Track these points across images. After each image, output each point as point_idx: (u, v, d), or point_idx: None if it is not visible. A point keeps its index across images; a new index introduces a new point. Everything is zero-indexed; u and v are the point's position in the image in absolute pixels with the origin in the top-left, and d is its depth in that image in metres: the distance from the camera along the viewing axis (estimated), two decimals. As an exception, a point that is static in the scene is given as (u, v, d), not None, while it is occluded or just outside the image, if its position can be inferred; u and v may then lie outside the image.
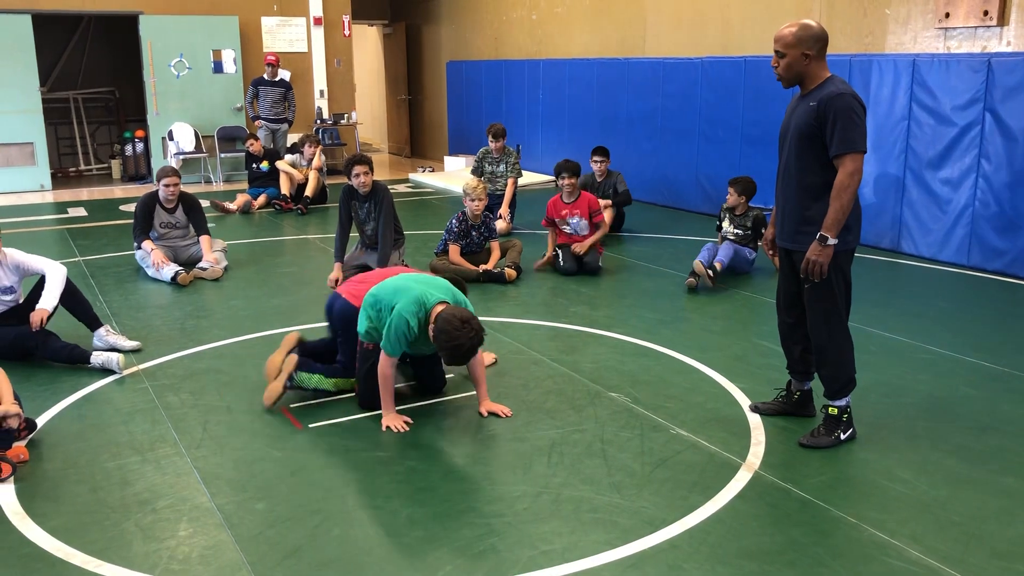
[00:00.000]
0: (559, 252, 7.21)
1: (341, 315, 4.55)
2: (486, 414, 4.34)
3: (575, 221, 7.23)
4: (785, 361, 4.28)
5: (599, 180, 8.63)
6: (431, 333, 4.04)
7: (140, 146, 13.31)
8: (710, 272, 6.55)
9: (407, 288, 4.20)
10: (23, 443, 3.96)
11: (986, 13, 7.06)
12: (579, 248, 7.06)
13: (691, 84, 9.88)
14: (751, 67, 9.10)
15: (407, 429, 4.18)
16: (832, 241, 3.70)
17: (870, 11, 8.11)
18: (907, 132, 7.63)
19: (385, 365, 4.18)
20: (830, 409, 4.01)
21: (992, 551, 3.14)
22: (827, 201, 3.75)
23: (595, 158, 8.55)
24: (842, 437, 3.99)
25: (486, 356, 4.90)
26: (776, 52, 3.80)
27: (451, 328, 3.92)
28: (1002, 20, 7.03)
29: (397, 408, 4.29)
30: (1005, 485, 3.62)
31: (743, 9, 9.50)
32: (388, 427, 4.18)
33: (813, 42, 3.73)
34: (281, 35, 13.69)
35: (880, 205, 7.95)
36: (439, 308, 4.08)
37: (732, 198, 7.11)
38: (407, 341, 4.10)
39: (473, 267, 6.86)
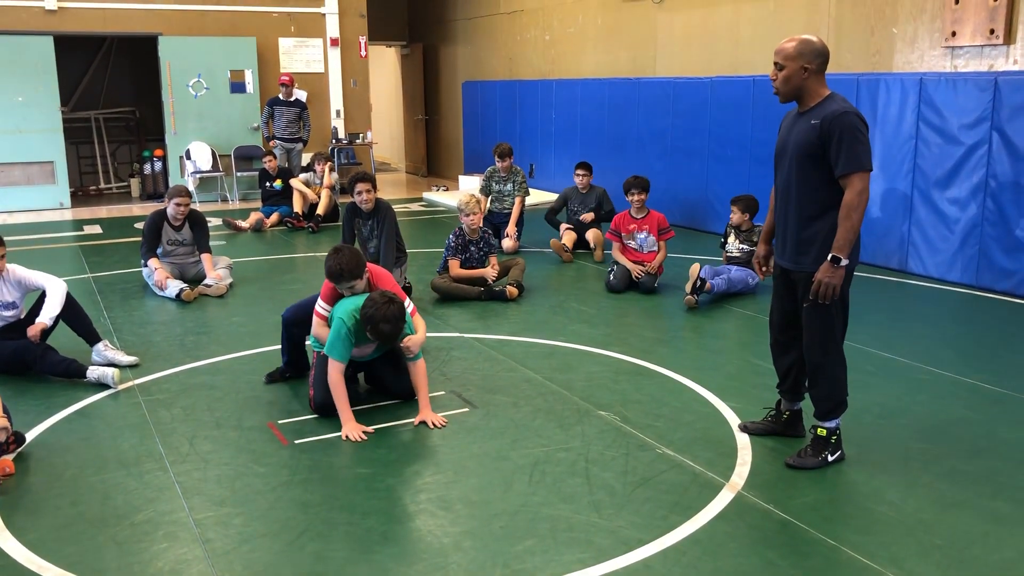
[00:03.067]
0: (614, 268, 7.28)
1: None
2: (417, 423, 4.39)
3: (642, 237, 7.29)
4: (777, 380, 4.24)
5: (583, 192, 9.00)
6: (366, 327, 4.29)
7: (159, 165, 13.49)
8: (697, 284, 6.51)
9: (350, 300, 4.50)
10: (10, 457, 3.99)
11: (992, 32, 7.00)
12: (639, 273, 7.13)
13: (701, 103, 9.87)
14: (760, 86, 9.08)
15: (365, 439, 4.26)
16: (844, 262, 3.64)
17: (877, 30, 8.07)
18: (914, 151, 7.56)
19: (333, 371, 4.36)
20: (819, 430, 3.96)
21: (974, 576, 3.07)
22: (828, 220, 3.70)
23: (579, 172, 8.99)
24: (829, 459, 3.93)
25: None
26: (775, 64, 3.75)
27: (372, 303, 4.24)
28: (1008, 39, 6.97)
29: (382, 425, 4.30)
30: (994, 509, 3.55)
31: (752, 29, 9.49)
32: (347, 436, 4.26)
33: (813, 56, 3.69)
34: (298, 56, 13.84)
35: (888, 224, 7.88)
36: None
37: (736, 216, 7.09)
38: (347, 341, 4.36)
39: (472, 288, 6.88)
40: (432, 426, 4.38)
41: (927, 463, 3.98)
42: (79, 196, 13.70)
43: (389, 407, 4.70)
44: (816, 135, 3.66)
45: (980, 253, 7.15)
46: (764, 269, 4.27)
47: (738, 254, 7.10)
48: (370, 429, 4.33)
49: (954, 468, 3.93)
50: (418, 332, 4.66)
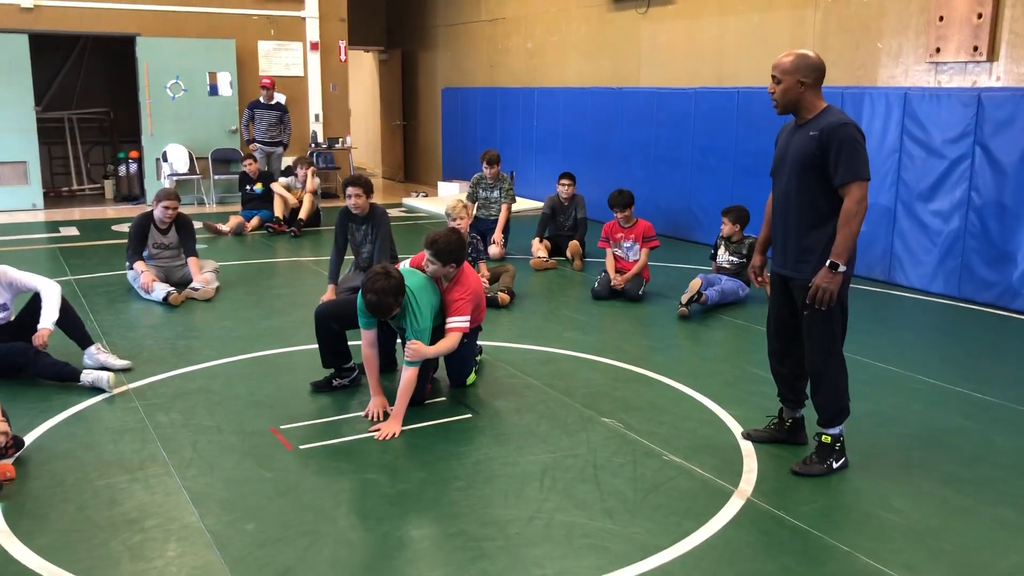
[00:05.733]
0: (602, 275, 7.34)
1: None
2: (377, 428, 4.39)
3: (628, 245, 7.36)
4: (776, 388, 4.28)
5: (565, 203, 8.95)
6: None
7: (134, 167, 13.30)
8: (695, 297, 6.58)
9: (409, 273, 4.63)
10: (9, 461, 3.91)
11: (976, 48, 7.15)
12: (617, 283, 7.19)
13: (685, 114, 9.96)
14: (744, 98, 9.19)
15: (380, 415, 4.49)
16: (843, 268, 3.72)
17: (862, 44, 8.21)
18: (898, 164, 7.70)
19: (363, 343, 4.59)
20: (823, 437, 4.01)
21: (986, 581, 3.13)
22: (827, 229, 3.78)
23: (563, 182, 8.92)
24: (835, 465, 3.99)
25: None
26: (773, 78, 3.85)
27: (372, 272, 4.38)
28: (992, 55, 7.13)
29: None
30: (999, 516, 3.62)
31: (737, 41, 9.61)
32: (367, 413, 4.54)
33: (810, 71, 3.80)
34: (278, 59, 13.75)
35: (872, 236, 8.00)
36: None
37: (727, 227, 7.16)
38: (366, 311, 4.48)
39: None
40: (382, 437, 4.30)
41: (928, 470, 4.05)
42: (51, 197, 13.45)
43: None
44: (816, 146, 3.75)
45: (962, 265, 7.29)
46: (760, 279, 4.32)
47: (728, 265, 7.17)
48: (396, 428, 4.39)
49: (955, 475, 4.00)
50: (437, 344, 4.61)
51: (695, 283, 6.67)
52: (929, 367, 5.52)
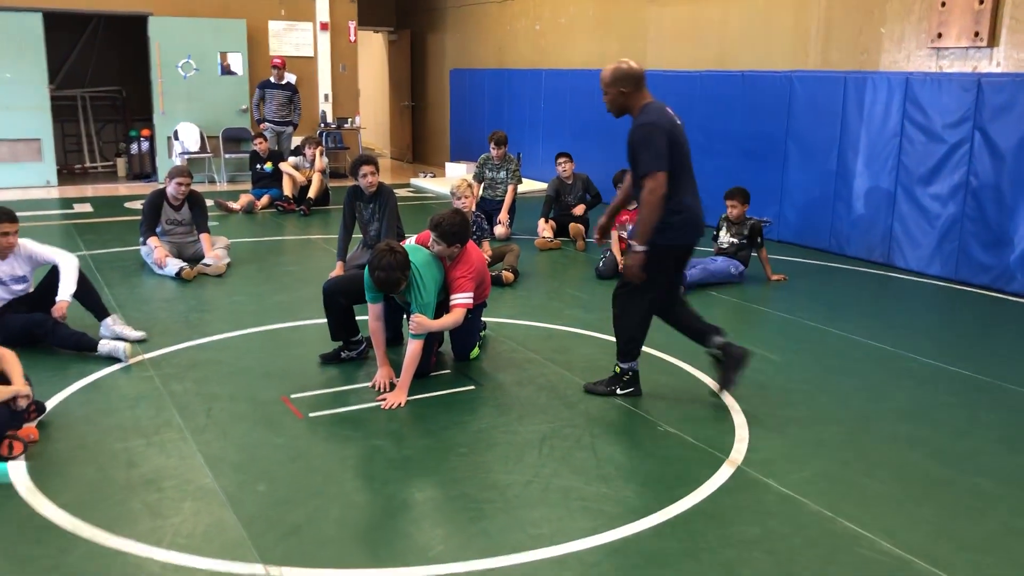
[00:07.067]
0: (606, 255, 7.49)
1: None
2: (383, 398, 4.57)
3: (632, 228, 7.46)
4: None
5: (568, 183, 9.06)
6: None
7: (145, 145, 13.48)
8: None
9: (413, 249, 4.78)
10: (33, 424, 4.10)
11: (977, 34, 7.24)
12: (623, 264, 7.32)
13: (689, 97, 10.05)
14: (748, 81, 9.29)
15: (387, 385, 4.67)
16: (638, 248, 4.25)
17: (865, 29, 8.30)
18: (899, 148, 7.81)
19: (370, 316, 4.77)
20: (616, 367, 4.62)
21: (960, 545, 3.29)
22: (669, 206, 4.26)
23: (561, 160, 9.03)
24: (618, 392, 4.60)
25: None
26: (602, 90, 4.37)
27: (378, 250, 4.53)
28: (992, 41, 7.21)
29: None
30: (977, 486, 3.77)
31: (741, 25, 9.69)
32: (375, 384, 4.72)
33: (627, 80, 4.31)
34: (288, 39, 13.87)
35: (872, 218, 8.13)
36: None
37: (736, 210, 7.27)
38: (373, 286, 4.66)
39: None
40: (388, 406, 4.49)
41: (913, 443, 4.21)
42: (64, 174, 13.62)
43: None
44: (629, 143, 4.32)
45: (960, 248, 7.41)
46: (599, 238, 4.93)
47: (727, 246, 7.30)
48: (402, 398, 4.54)
49: (939, 448, 4.16)
50: (441, 318, 4.75)
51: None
52: (921, 347, 5.66)
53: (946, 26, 7.50)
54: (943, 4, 7.49)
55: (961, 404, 4.73)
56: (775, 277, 7.33)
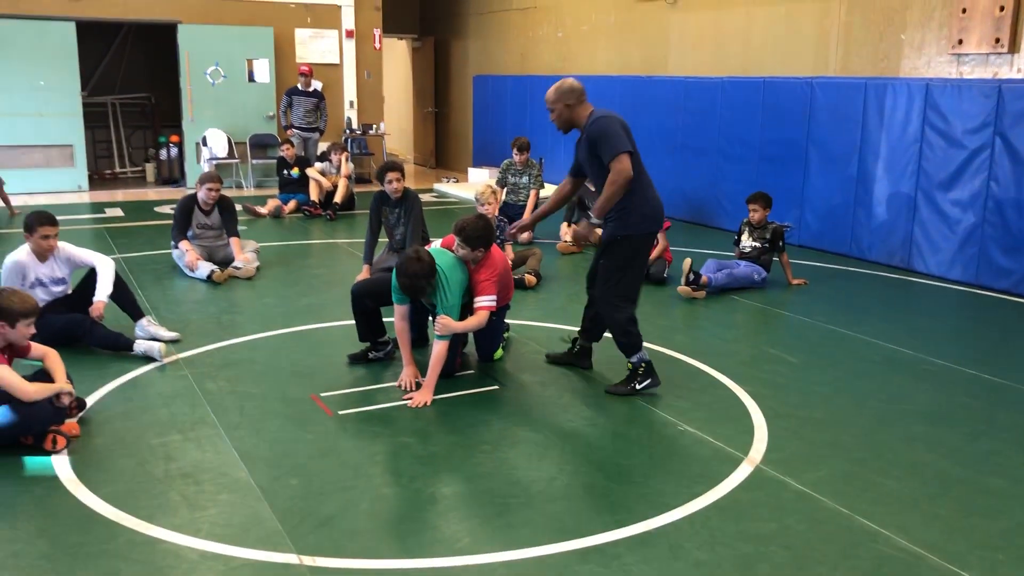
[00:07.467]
0: None
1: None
2: (410, 397, 4.70)
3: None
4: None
5: (591, 188, 8.97)
6: None
7: (174, 151, 13.73)
8: (691, 277, 6.89)
9: (438, 253, 4.94)
10: (74, 420, 4.27)
11: (998, 40, 7.29)
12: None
13: (711, 103, 10.15)
14: (770, 88, 9.36)
15: (413, 384, 4.80)
16: (596, 220, 4.64)
17: (886, 36, 8.36)
18: (919, 154, 7.86)
19: (396, 317, 4.92)
20: (627, 364, 4.83)
21: (974, 542, 3.36)
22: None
23: None
24: (637, 387, 4.76)
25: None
26: (547, 108, 4.73)
27: (405, 255, 4.72)
28: (1013, 47, 7.26)
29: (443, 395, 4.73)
30: (993, 485, 3.84)
31: (763, 32, 9.77)
32: (400, 383, 4.84)
33: (570, 95, 4.67)
34: (314, 47, 14.08)
35: (892, 224, 8.18)
36: None
37: (757, 214, 7.35)
38: (399, 289, 4.80)
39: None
40: (414, 405, 4.61)
41: (930, 444, 4.28)
42: (95, 180, 13.90)
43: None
44: (589, 144, 4.62)
45: (980, 253, 7.45)
46: (517, 232, 5.19)
47: (750, 250, 7.38)
48: (428, 398, 4.66)
49: (955, 448, 4.23)
50: (466, 320, 4.86)
51: (686, 263, 6.98)
52: (941, 350, 5.72)
53: (966, 32, 7.55)
54: (964, 11, 7.54)
55: (979, 406, 4.79)
56: (796, 281, 7.40)
